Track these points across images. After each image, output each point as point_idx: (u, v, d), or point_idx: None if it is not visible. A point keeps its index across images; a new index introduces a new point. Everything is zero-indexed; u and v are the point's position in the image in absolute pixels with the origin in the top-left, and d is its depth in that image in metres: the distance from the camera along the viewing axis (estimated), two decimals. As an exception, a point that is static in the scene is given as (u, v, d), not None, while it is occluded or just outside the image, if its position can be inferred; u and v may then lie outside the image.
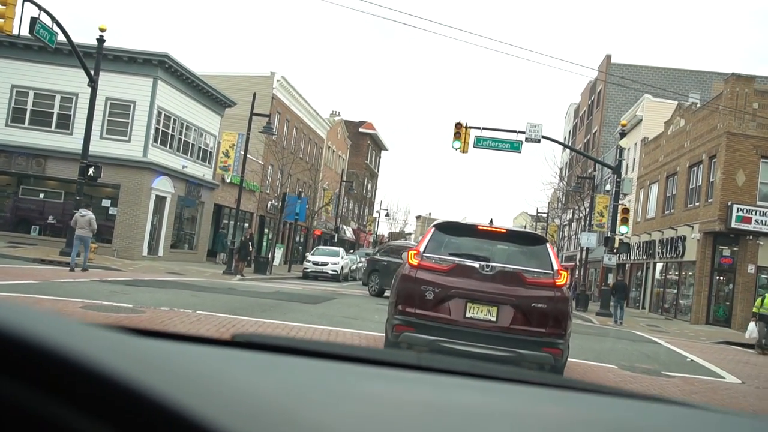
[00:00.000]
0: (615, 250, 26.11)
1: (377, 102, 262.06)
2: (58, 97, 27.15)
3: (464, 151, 26.57)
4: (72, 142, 25.61)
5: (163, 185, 28.78)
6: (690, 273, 29.51)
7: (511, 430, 0.86)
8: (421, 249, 7.25)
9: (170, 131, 29.11)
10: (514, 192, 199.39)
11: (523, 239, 7.71)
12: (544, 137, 26.65)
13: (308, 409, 0.73)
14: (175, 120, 29.38)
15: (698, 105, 31.41)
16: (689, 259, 29.35)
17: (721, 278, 27.95)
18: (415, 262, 7.15)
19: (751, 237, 26.31)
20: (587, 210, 35.75)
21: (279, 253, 41.80)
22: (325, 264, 33.45)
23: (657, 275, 35.13)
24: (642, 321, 25.88)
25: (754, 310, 18.64)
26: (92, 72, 22.49)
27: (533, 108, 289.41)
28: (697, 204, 29.36)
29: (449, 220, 8.10)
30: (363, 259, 33.30)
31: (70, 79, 26.10)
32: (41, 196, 27.80)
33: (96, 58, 22.83)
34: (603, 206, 33.02)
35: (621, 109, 50.55)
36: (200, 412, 0.49)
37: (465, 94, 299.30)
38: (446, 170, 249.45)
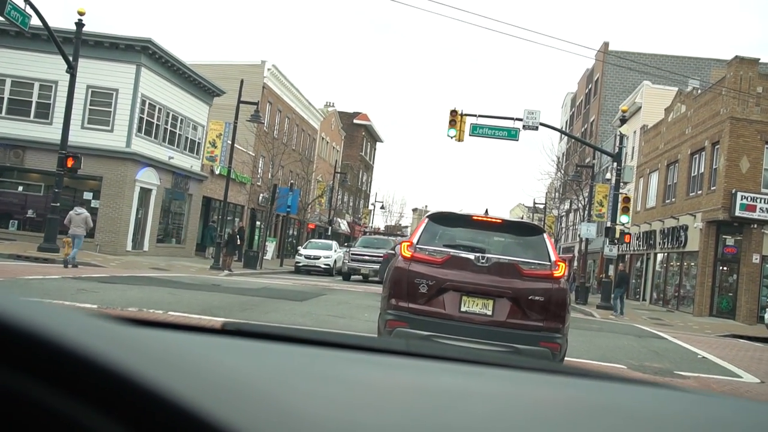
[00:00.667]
0: (616, 241, 25.34)
1: (372, 93, 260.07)
2: (36, 85, 26.12)
3: (460, 139, 25.69)
4: (52, 132, 24.57)
5: (148, 177, 27.81)
6: (692, 263, 28.71)
7: (497, 411, 0.87)
8: (414, 240, 6.98)
9: (155, 120, 28.11)
10: (510, 184, 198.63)
11: (520, 229, 7.48)
12: (542, 124, 25.80)
13: (296, 393, 0.75)
14: (160, 109, 28.37)
15: (699, 90, 30.49)
16: (691, 249, 28.55)
17: (725, 268, 27.18)
18: (408, 254, 6.87)
19: (755, 226, 25.51)
20: (586, 200, 34.91)
21: (271, 247, 40.88)
22: (317, 258, 32.49)
23: (657, 266, 34.38)
24: (643, 313, 25.17)
25: None
26: (71, 58, 21.50)
27: (529, 97, 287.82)
28: (700, 192, 28.53)
29: (443, 211, 7.74)
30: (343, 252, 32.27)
31: (49, 67, 25.04)
32: (20, 189, 26.80)
33: (75, 44, 21.84)
34: (603, 195, 32.24)
35: (619, 97, 49.74)
36: (190, 399, 0.50)
37: (461, 85, 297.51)
38: (442, 163, 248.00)
